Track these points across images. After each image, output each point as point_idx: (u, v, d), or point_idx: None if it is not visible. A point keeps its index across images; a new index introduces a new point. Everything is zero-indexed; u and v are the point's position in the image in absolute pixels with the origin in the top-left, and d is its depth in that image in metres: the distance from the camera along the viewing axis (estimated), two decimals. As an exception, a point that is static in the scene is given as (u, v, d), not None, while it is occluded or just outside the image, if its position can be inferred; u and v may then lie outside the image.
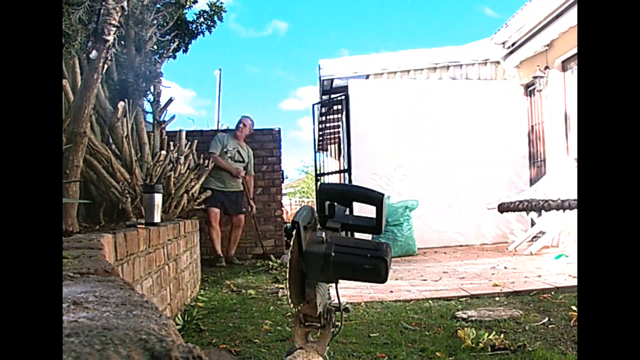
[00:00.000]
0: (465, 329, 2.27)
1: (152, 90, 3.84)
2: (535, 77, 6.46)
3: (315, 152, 7.69)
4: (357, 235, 1.78)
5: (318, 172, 7.32)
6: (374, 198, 1.28)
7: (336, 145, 13.34)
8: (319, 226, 1.26)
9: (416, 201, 6.03)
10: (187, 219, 3.82)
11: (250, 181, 5.95)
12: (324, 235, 1.17)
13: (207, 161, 4.66)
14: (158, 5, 3.83)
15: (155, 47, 3.91)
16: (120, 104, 3.04)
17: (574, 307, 2.71)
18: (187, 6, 4.29)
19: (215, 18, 4.62)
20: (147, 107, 3.95)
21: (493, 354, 2.06)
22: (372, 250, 1.14)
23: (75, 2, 2.27)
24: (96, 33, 2.17)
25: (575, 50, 5.77)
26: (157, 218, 2.77)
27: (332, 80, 7.49)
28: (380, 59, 7.33)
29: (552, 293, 3.20)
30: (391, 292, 3.48)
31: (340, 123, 9.56)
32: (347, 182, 7.25)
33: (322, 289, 1.26)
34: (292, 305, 1.15)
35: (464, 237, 6.89)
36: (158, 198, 2.79)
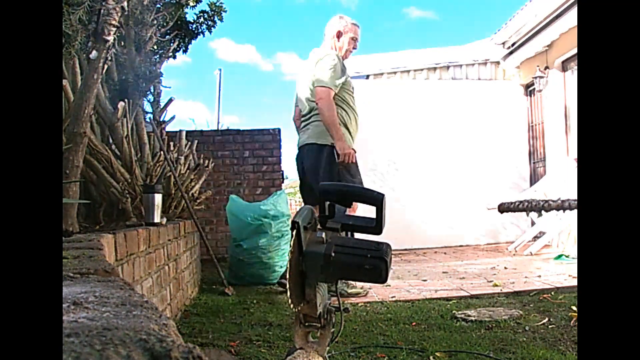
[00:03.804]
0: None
1: (152, 90, 3.84)
2: (535, 77, 6.46)
3: (315, 152, 7.68)
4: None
5: (318, 172, 7.31)
6: (374, 198, 1.28)
7: (336, 145, 13.34)
8: (319, 226, 1.26)
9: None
10: (187, 219, 3.82)
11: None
12: (324, 235, 1.17)
13: (207, 161, 4.66)
14: (158, 5, 3.83)
15: (155, 47, 3.91)
16: (120, 104, 3.04)
17: (574, 307, 2.71)
18: (192, 5, 4.29)
19: (216, 18, 4.62)
20: (147, 107, 3.96)
21: (493, 353, 2.06)
22: (372, 251, 1.15)
23: (75, 2, 2.27)
24: (96, 33, 2.17)
25: (575, 51, 5.77)
26: (157, 218, 2.77)
27: (332, 80, 7.48)
28: (380, 59, 7.33)
29: (552, 293, 3.20)
30: (391, 292, 3.48)
31: (340, 123, 9.55)
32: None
33: (322, 289, 1.26)
34: (292, 306, 1.15)
35: (464, 237, 6.89)
36: (158, 198, 2.80)
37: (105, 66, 2.24)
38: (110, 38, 2.18)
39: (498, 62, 7.37)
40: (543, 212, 4.89)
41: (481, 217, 6.71)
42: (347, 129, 3.49)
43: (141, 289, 2.15)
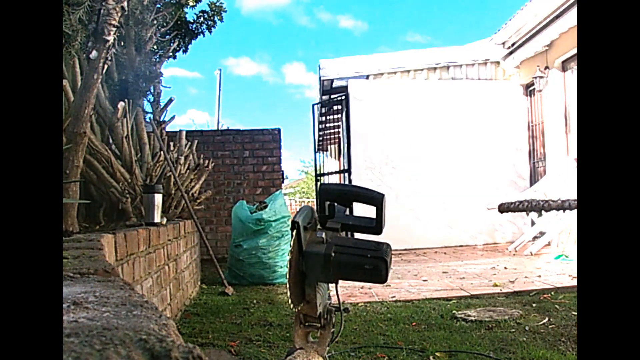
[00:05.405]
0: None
1: (152, 90, 3.85)
2: (535, 77, 6.46)
3: (315, 152, 7.69)
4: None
5: (318, 172, 7.32)
6: (374, 198, 1.28)
7: (336, 145, 13.34)
8: (319, 226, 1.26)
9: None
10: (187, 219, 3.82)
11: None
12: (324, 235, 1.17)
13: (207, 161, 4.66)
14: (158, 5, 3.83)
15: (155, 47, 3.91)
16: (120, 104, 3.04)
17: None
18: (192, 5, 4.29)
19: (216, 18, 4.62)
20: (147, 107, 3.96)
21: (493, 353, 2.06)
22: (372, 251, 1.15)
23: (75, 2, 2.27)
24: (96, 33, 2.17)
25: (575, 50, 5.77)
26: (157, 218, 2.77)
27: (332, 80, 7.49)
28: (380, 59, 7.33)
29: (552, 293, 3.20)
30: (391, 292, 3.48)
31: (340, 123, 9.56)
32: (347, 182, 7.25)
33: (322, 289, 1.26)
34: (292, 306, 1.15)
35: (463, 237, 6.89)
36: (158, 198, 2.80)
37: (105, 66, 2.24)
38: (110, 38, 2.18)
39: (498, 62, 7.37)
40: (543, 212, 4.88)
41: (481, 217, 6.71)
42: None
43: (141, 289, 2.15)
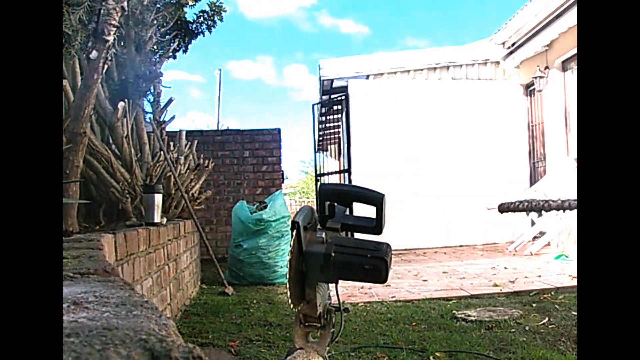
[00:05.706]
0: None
1: (152, 90, 3.84)
2: (535, 77, 6.46)
3: (315, 153, 7.69)
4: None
5: (318, 172, 7.32)
6: (374, 198, 1.28)
7: (336, 145, 13.34)
8: (319, 226, 1.26)
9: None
10: (187, 219, 3.82)
11: None
12: (324, 235, 1.17)
13: (207, 161, 4.66)
14: (158, 5, 3.83)
15: (155, 47, 3.91)
16: (120, 104, 3.04)
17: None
18: (191, 5, 4.29)
19: (215, 18, 4.61)
20: (147, 107, 3.96)
21: (493, 353, 2.06)
22: (372, 251, 1.14)
23: (75, 2, 2.27)
24: (96, 33, 2.17)
25: (575, 50, 5.77)
26: (157, 218, 2.77)
27: (332, 80, 7.49)
28: (380, 59, 7.33)
29: (552, 293, 3.20)
30: (391, 292, 3.48)
31: (340, 123, 9.56)
32: (347, 182, 7.25)
33: (322, 289, 1.26)
34: (292, 306, 1.15)
35: (463, 237, 6.89)
36: (158, 198, 2.80)
37: (105, 66, 2.24)
38: (110, 38, 2.18)
39: (498, 62, 7.37)
40: (543, 212, 4.88)
41: (481, 217, 6.71)
42: None
43: (141, 289, 2.15)
